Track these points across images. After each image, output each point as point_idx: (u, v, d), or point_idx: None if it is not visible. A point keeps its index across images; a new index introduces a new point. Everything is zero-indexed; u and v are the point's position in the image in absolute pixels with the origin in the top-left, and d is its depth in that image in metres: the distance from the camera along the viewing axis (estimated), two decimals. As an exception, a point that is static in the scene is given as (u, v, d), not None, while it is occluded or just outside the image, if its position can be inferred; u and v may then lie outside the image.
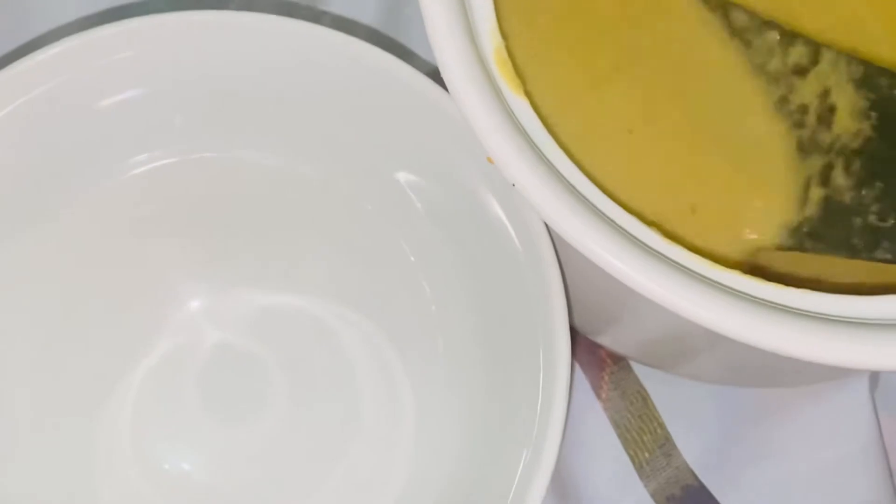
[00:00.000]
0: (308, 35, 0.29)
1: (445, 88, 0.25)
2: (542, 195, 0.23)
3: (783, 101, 0.27)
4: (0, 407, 0.31)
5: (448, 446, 0.31)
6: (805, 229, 0.26)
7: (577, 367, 0.35)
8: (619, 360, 0.35)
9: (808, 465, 0.34)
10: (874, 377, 0.35)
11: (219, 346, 0.33)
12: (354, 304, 0.33)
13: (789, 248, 0.26)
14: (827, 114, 0.27)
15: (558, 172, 0.24)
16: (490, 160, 0.24)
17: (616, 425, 0.35)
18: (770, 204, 0.26)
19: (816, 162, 0.26)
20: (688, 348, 0.29)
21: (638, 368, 0.35)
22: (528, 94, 0.25)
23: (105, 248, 0.32)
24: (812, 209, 0.26)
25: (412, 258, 0.32)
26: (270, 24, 0.29)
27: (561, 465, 0.33)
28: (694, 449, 0.34)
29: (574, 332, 0.28)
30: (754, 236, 0.26)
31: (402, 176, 0.31)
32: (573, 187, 0.24)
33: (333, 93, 0.30)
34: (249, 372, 0.33)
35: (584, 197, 0.24)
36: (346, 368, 0.33)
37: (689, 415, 0.35)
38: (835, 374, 0.32)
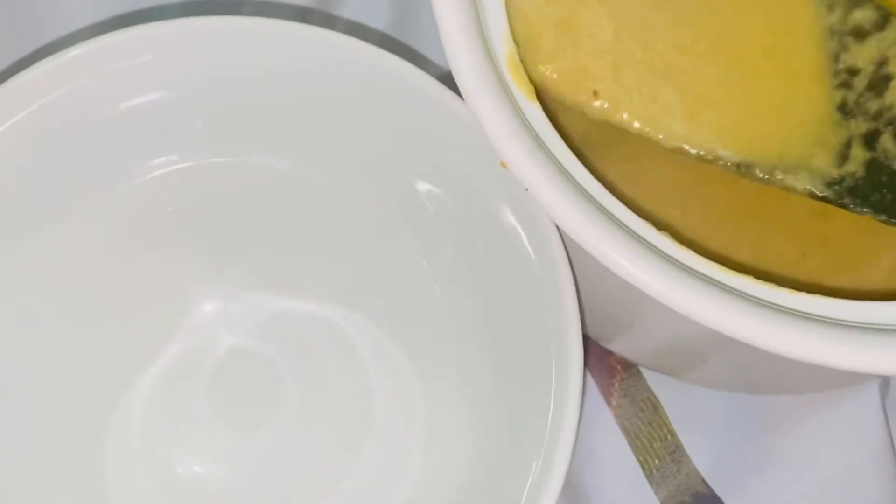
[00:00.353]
0: (321, 40, 0.29)
1: (458, 93, 0.25)
2: (555, 199, 0.23)
3: (832, 58, 0.26)
4: (10, 409, 0.31)
5: (459, 452, 0.31)
6: (847, 184, 0.25)
7: (588, 374, 0.35)
8: (629, 367, 0.35)
9: (819, 473, 0.33)
10: (885, 384, 0.34)
11: (231, 350, 0.33)
12: (366, 308, 0.33)
13: (824, 199, 0.25)
14: (880, 82, 0.26)
15: (571, 177, 0.24)
16: (503, 165, 0.24)
17: (626, 432, 0.34)
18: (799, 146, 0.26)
19: (860, 125, 0.26)
20: (699, 354, 0.29)
21: (648, 375, 0.35)
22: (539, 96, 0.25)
23: (119, 252, 0.32)
24: (854, 167, 0.26)
25: (424, 263, 0.32)
26: (283, 30, 0.29)
27: (571, 472, 0.33)
28: (704, 456, 0.34)
29: (585, 339, 0.28)
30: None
31: (414, 181, 0.31)
32: (586, 192, 0.24)
33: (346, 97, 0.30)
34: (261, 376, 0.33)
35: (596, 201, 0.24)
36: (357, 373, 0.33)
37: (699, 422, 0.35)
38: (846, 381, 0.32)
